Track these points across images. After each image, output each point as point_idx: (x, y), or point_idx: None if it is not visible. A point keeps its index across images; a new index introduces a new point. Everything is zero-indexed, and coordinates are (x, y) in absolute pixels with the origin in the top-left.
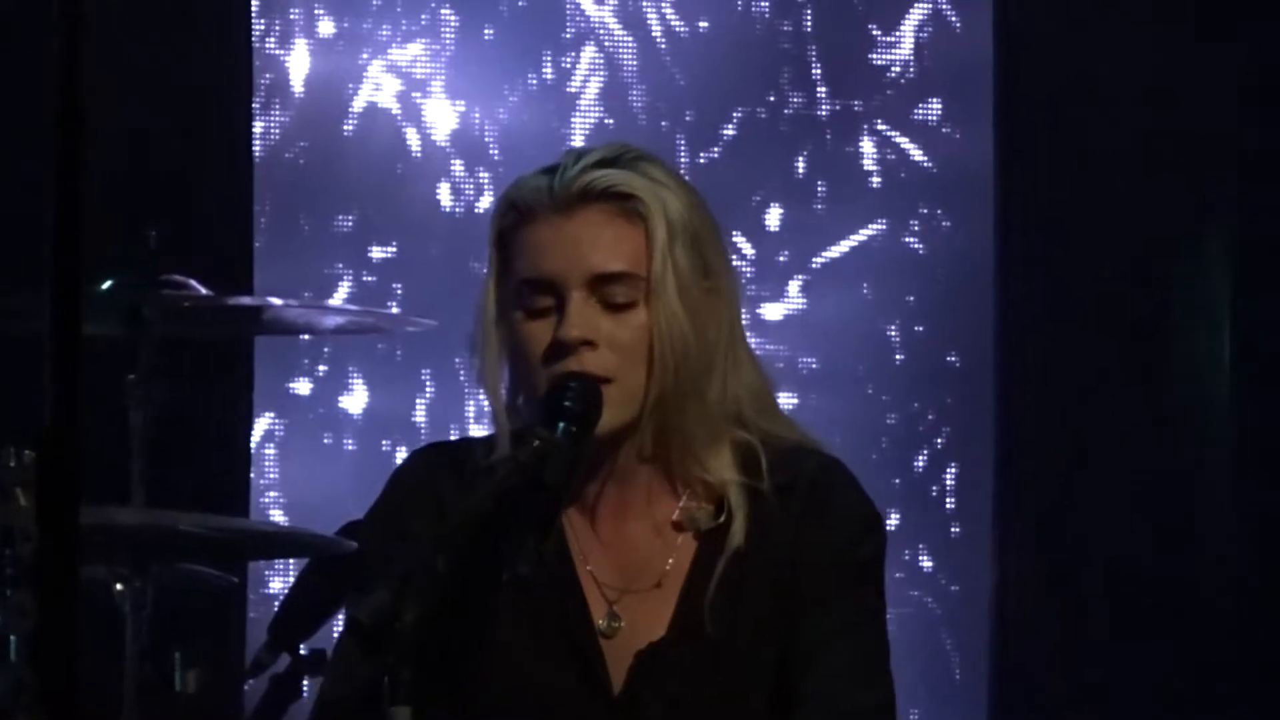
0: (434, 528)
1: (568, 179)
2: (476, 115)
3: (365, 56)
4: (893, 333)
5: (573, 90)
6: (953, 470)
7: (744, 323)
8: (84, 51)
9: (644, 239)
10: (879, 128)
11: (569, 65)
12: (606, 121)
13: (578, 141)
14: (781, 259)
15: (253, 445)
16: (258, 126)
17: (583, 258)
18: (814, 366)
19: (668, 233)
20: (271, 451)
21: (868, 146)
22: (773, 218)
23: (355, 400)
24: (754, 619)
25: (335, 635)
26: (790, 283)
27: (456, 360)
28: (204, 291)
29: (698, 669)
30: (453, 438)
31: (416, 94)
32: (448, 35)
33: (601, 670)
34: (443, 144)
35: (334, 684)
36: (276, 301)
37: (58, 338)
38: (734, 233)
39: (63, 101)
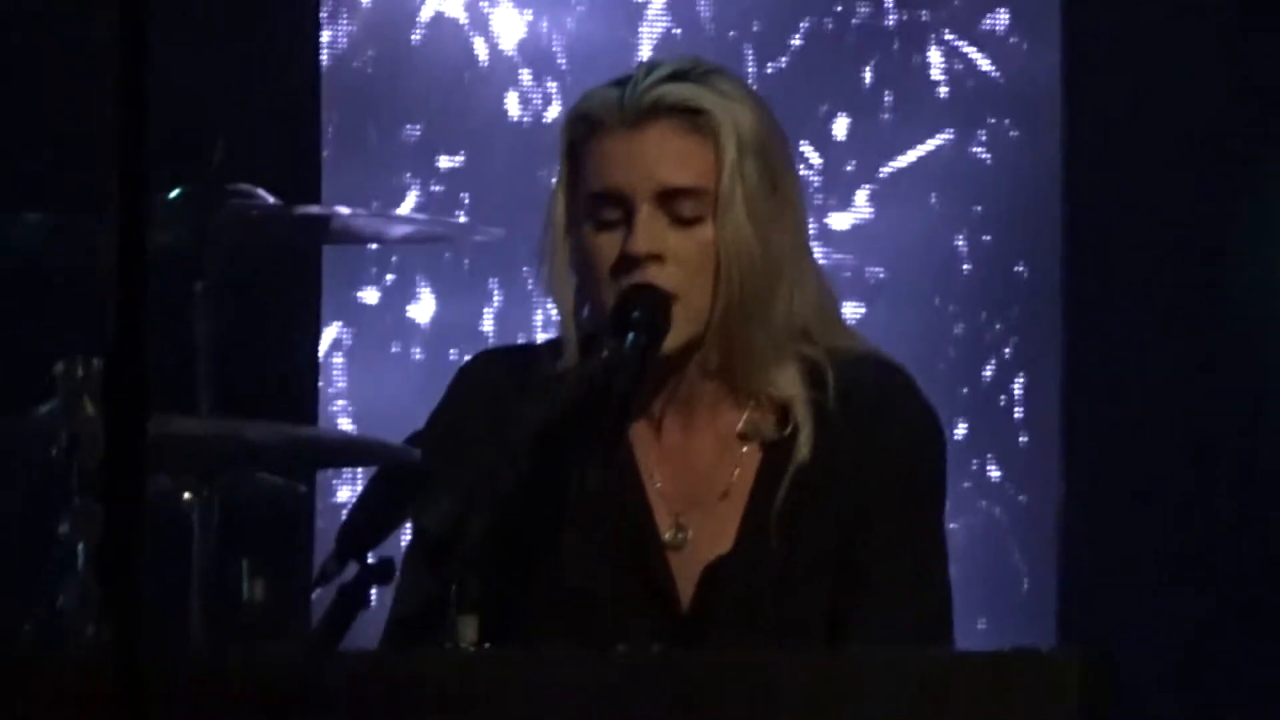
0: (501, 437)
1: (639, 92)
2: (544, 24)
3: None
4: (960, 243)
5: (640, 0)
6: (1020, 380)
7: (810, 231)
8: None
9: (713, 154)
10: (946, 38)
11: None
12: (674, 31)
13: (645, 51)
14: (849, 169)
15: (320, 354)
16: (325, 36)
17: (652, 171)
18: (881, 276)
19: (738, 148)
20: (339, 361)
21: (935, 57)
22: (840, 128)
23: (423, 309)
24: (819, 530)
25: (403, 544)
26: (857, 192)
27: (524, 269)
28: (271, 201)
29: (765, 580)
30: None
31: (484, 3)
32: None
33: (669, 583)
34: (510, 53)
35: (404, 600)
36: (344, 211)
37: (124, 248)
38: (801, 143)
39: (126, 11)
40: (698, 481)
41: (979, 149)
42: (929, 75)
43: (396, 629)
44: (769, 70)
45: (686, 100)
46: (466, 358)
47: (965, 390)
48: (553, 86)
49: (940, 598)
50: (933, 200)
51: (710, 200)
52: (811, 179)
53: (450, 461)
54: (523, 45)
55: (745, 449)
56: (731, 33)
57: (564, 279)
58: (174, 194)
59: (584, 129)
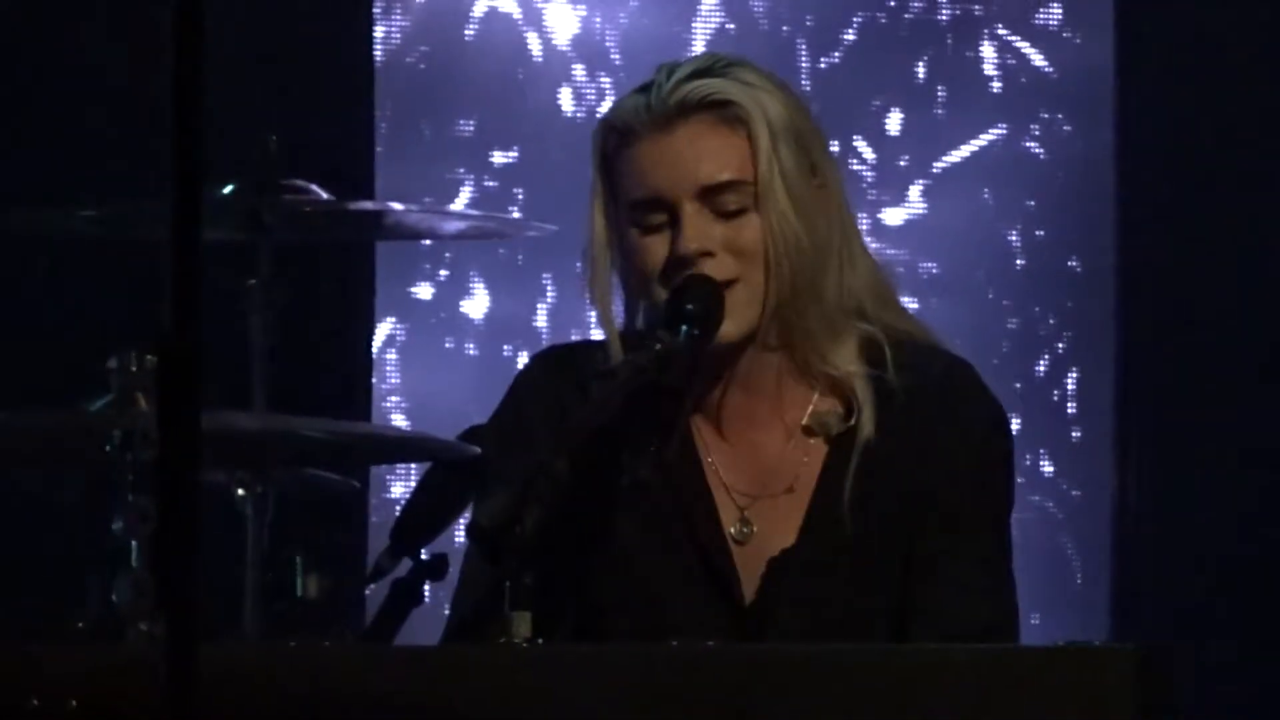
0: (555, 431)
1: (664, 94)
2: (598, 20)
3: None
4: (1013, 237)
5: None
6: (1074, 375)
7: (864, 226)
8: None
9: (747, 144)
10: (999, 32)
11: None
12: (728, 26)
13: (699, 46)
14: (902, 164)
15: (374, 350)
16: (379, 31)
17: (690, 170)
18: (934, 271)
19: (770, 135)
20: (393, 356)
21: (988, 51)
22: (893, 123)
23: (476, 305)
24: (884, 522)
25: (457, 540)
26: (911, 187)
27: (578, 265)
28: (325, 196)
29: (830, 574)
30: (573, 340)
31: None
32: None
33: (732, 577)
34: (564, 48)
35: (462, 598)
36: (398, 206)
37: (178, 242)
38: (855, 137)
39: (182, 6)
40: (762, 475)
41: (1032, 143)
42: (982, 70)
43: (456, 626)
44: (822, 65)
45: (712, 94)
46: (521, 354)
47: (1018, 385)
48: (606, 82)
49: (1008, 592)
50: (986, 195)
51: (751, 190)
52: (865, 174)
53: (511, 457)
54: (576, 40)
55: (811, 443)
56: (785, 28)
57: (607, 292)
58: (228, 189)
59: (615, 139)
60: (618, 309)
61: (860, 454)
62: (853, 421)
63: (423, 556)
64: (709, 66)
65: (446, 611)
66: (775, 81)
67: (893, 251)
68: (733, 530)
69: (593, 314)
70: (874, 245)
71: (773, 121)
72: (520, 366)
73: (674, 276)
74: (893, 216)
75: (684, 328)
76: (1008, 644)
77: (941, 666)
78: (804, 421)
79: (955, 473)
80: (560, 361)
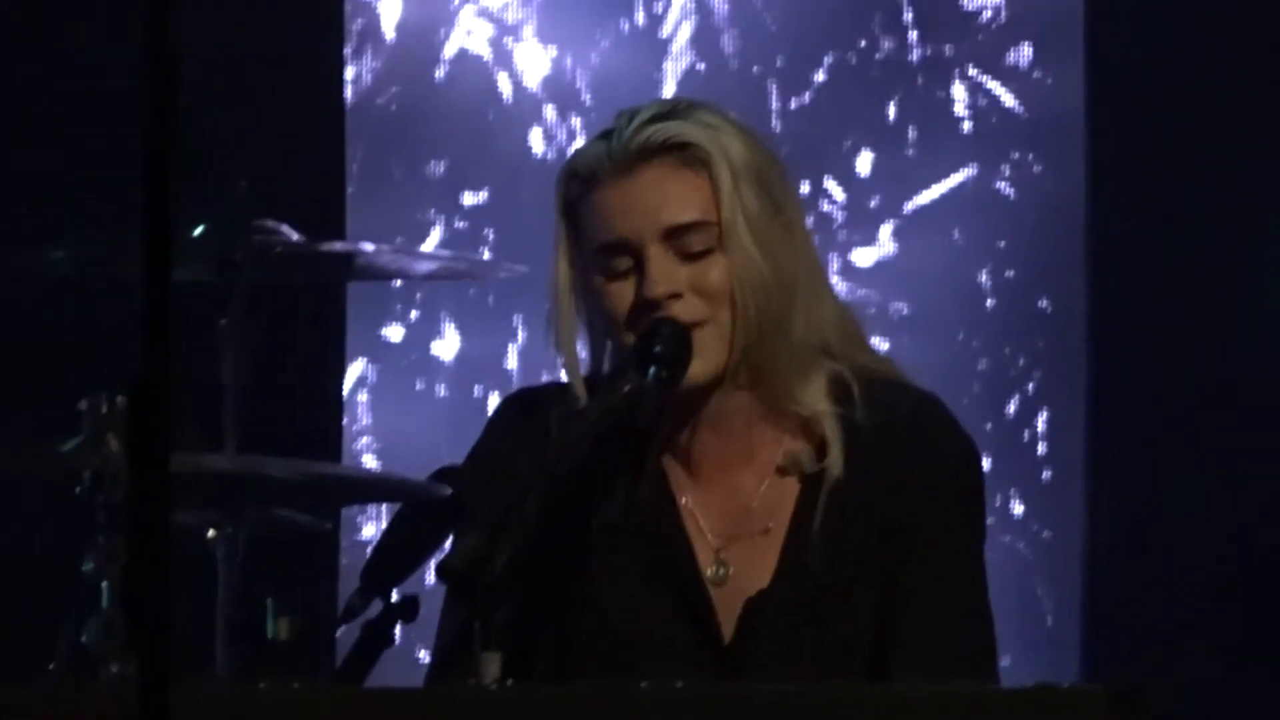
0: (526, 472)
1: (625, 138)
2: (568, 61)
3: (456, 2)
4: (984, 278)
5: (664, 36)
6: (1044, 415)
7: (834, 267)
8: None
9: (709, 185)
10: (970, 72)
11: (660, 11)
12: (698, 67)
13: (669, 88)
14: (873, 204)
15: (345, 391)
16: (349, 72)
17: (653, 213)
18: (905, 312)
19: (731, 175)
20: (364, 397)
21: (959, 91)
22: (864, 163)
23: (447, 346)
24: (858, 559)
25: (428, 582)
26: (881, 228)
27: (549, 306)
28: (296, 237)
29: (806, 613)
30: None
31: (508, 39)
32: None
33: (711, 619)
34: (534, 90)
35: (439, 639)
36: (369, 247)
37: (149, 283)
38: (825, 178)
39: (152, 47)
40: (737, 516)
41: (1003, 183)
42: (953, 110)
43: (434, 669)
44: (793, 105)
45: (673, 136)
46: (492, 395)
47: (989, 425)
48: (577, 123)
49: (985, 623)
50: (956, 235)
51: (715, 231)
52: (835, 214)
53: (484, 498)
54: (547, 81)
55: (784, 482)
56: (755, 68)
57: (570, 337)
58: (199, 230)
59: (578, 186)
60: (583, 354)
61: (830, 492)
62: (826, 461)
63: (394, 598)
64: (669, 110)
65: (420, 654)
66: (736, 122)
67: (863, 292)
68: (709, 572)
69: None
70: (844, 286)
71: (734, 161)
72: (491, 408)
73: (641, 321)
74: (863, 257)
75: (652, 369)
76: (984, 677)
77: (913, 706)
78: (778, 461)
79: (929, 506)
80: (532, 403)
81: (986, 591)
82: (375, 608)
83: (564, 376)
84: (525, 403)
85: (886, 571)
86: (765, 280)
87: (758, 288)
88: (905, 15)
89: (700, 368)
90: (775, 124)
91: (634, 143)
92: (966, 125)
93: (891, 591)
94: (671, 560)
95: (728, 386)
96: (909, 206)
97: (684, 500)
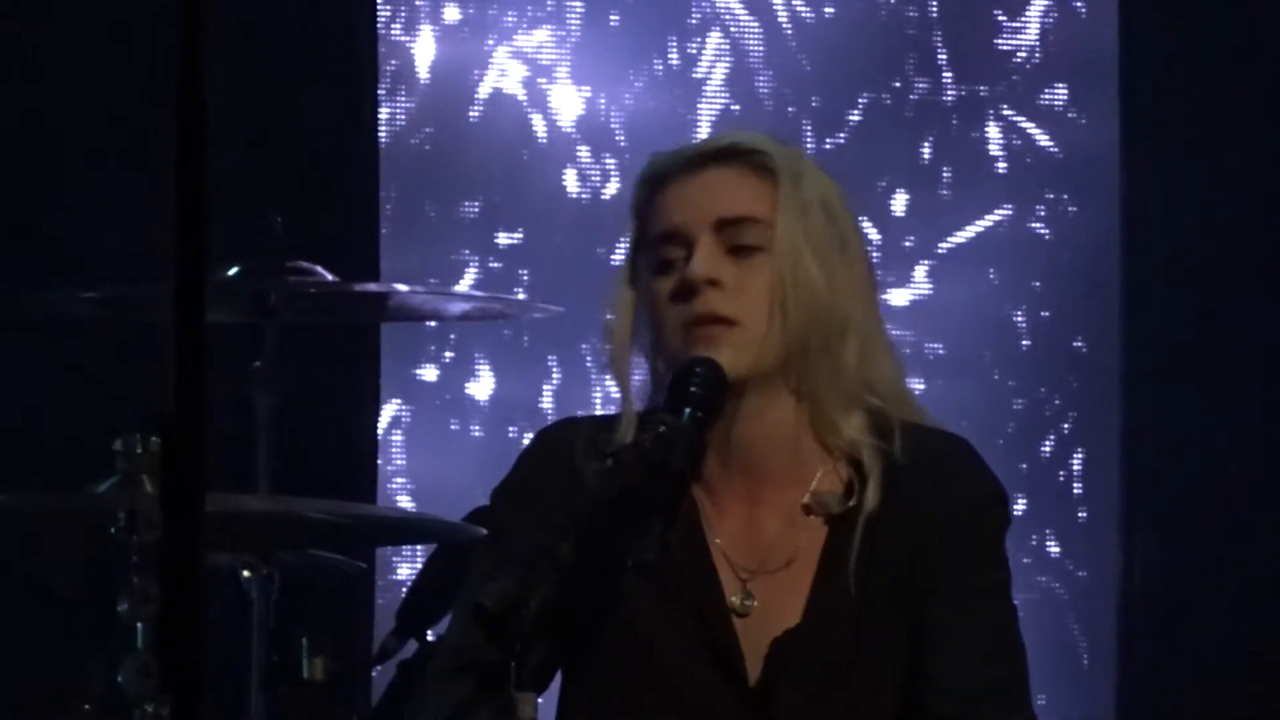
0: (561, 508)
1: (699, 144)
2: (602, 101)
3: (491, 43)
4: (1019, 318)
5: (698, 76)
6: (1079, 455)
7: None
8: (207, 38)
9: (773, 191)
10: (1004, 113)
11: (695, 51)
12: (733, 107)
13: (704, 128)
14: (907, 244)
15: (379, 432)
16: (383, 113)
17: (709, 204)
18: (940, 352)
19: (796, 187)
20: (398, 438)
21: (993, 132)
22: (899, 203)
23: (482, 387)
24: (888, 596)
25: None
26: (916, 268)
27: (583, 346)
28: (330, 278)
29: (835, 651)
30: (579, 415)
31: (542, 80)
32: (573, 21)
33: (736, 654)
34: (568, 130)
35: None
36: (403, 288)
37: (183, 325)
38: (860, 218)
39: (184, 88)
40: (763, 551)
41: (1037, 224)
42: (987, 150)
43: (436, 658)
44: (827, 145)
45: (744, 143)
46: (526, 435)
47: (1024, 466)
48: (611, 163)
49: (1016, 654)
50: (991, 275)
51: (769, 231)
52: (870, 255)
53: (521, 523)
54: (581, 122)
55: (811, 521)
56: (790, 108)
57: (625, 342)
58: (233, 271)
59: (646, 191)
60: (637, 376)
61: (865, 526)
62: (852, 502)
63: (429, 637)
64: (749, 131)
65: None
66: (818, 163)
67: (898, 332)
68: (735, 601)
69: (599, 393)
70: None
71: (802, 179)
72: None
73: (680, 302)
74: (898, 297)
75: (687, 411)
76: (1013, 710)
77: None
78: (804, 501)
79: (955, 543)
80: (565, 436)
81: (1016, 626)
82: (410, 648)
83: (598, 409)
84: (558, 436)
85: (915, 608)
86: (815, 291)
87: (804, 296)
88: (940, 56)
89: (731, 363)
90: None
91: (708, 147)
92: (1001, 165)
93: (919, 630)
94: (698, 595)
95: (763, 412)
96: (943, 246)
97: (713, 533)
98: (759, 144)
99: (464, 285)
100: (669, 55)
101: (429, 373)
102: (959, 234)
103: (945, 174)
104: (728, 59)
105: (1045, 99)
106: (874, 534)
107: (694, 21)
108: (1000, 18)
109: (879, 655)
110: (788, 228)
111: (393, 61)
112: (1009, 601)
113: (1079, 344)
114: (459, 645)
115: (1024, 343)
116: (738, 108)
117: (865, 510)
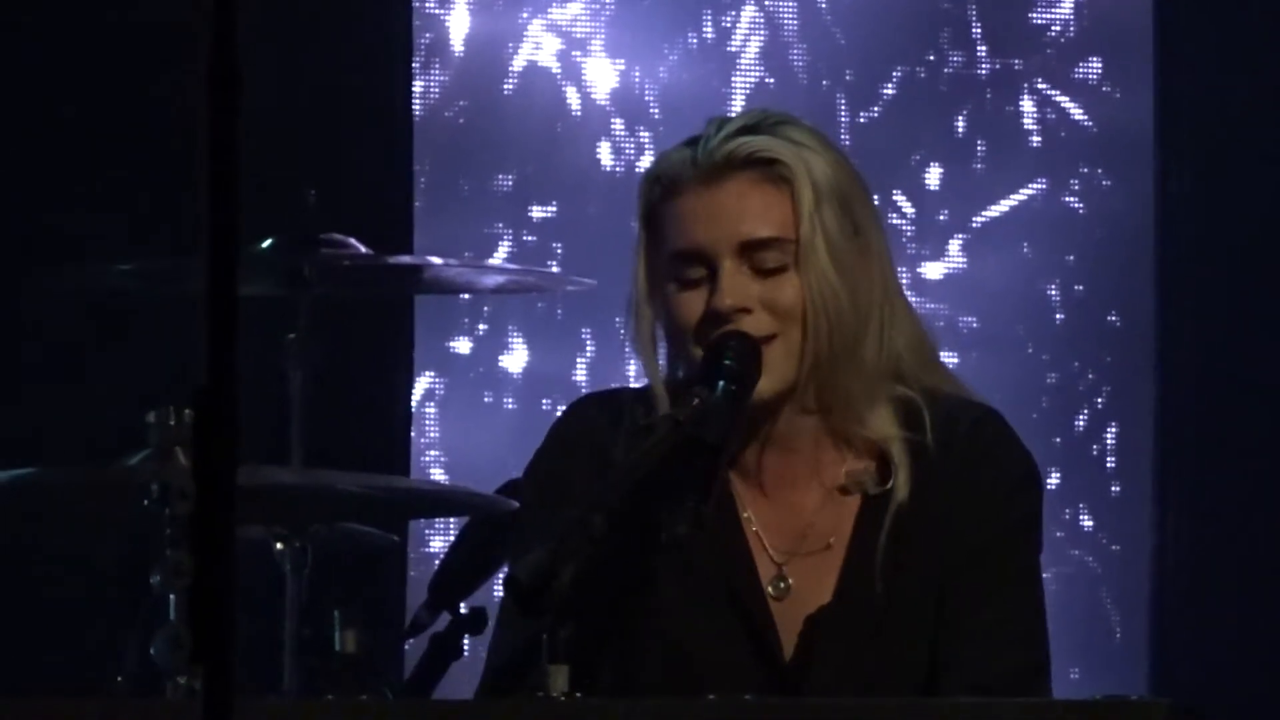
0: (592, 486)
1: (710, 148)
2: (637, 74)
3: (525, 16)
4: (1053, 292)
5: (733, 49)
6: (1113, 429)
7: (903, 280)
8: (239, 11)
9: (790, 203)
10: (1039, 87)
11: (729, 24)
12: (767, 81)
13: (738, 101)
14: (942, 218)
15: (413, 404)
16: (417, 86)
17: (731, 226)
18: (974, 326)
19: (814, 195)
20: (432, 410)
21: (1028, 105)
22: (933, 177)
23: (515, 359)
24: (918, 578)
25: (495, 594)
26: (950, 242)
27: (617, 319)
28: (364, 250)
29: (866, 631)
30: (612, 387)
31: (576, 53)
32: None
33: (771, 633)
34: (603, 103)
35: (499, 650)
36: (436, 261)
37: (215, 297)
38: (894, 192)
39: (217, 60)
40: (799, 532)
41: (1071, 198)
42: (1022, 124)
43: (491, 679)
44: (861, 119)
45: (759, 151)
46: (560, 408)
47: (1058, 440)
48: (645, 136)
49: (1039, 641)
50: (1025, 249)
51: (792, 249)
52: (904, 228)
53: (549, 507)
54: (615, 95)
55: (846, 501)
56: (824, 82)
57: (649, 343)
58: (267, 244)
59: (659, 191)
60: (662, 360)
61: (894, 515)
62: (889, 486)
63: (461, 610)
64: (757, 123)
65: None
66: (823, 140)
67: (932, 306)
68: (770, 587)
69: (633, 366)
70: (914, 299)
71: (817, 181)
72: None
73: (709, 332)
74: (932, 270)
75: (721, 384)
76: (1037, 691)
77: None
78: (841, 481)
79: (985, 524)
80: (598, 409)
81: (1041, 610)
82: (443, 620)
83: (633, 383)
84: (591, 409)
85: (943, 590)
86: (840, 303)
87: (831, 309)
88: (974, 29)
89: (767, 384)
90: (844, 138)
91: (719, 153)
92: (1035, 139)
93: (946, 608)
94: (733, 575)
95: (795, 409)
96: (977, 220)
97: (747, 515)
98: (773, 150)
99: (498, 258)
100: (703, 28)
101: (462, 345)
102: (993, 208)
103: (979, 148)
104: (762, 32)
105: (1080, 72)
106: (905, 515)
107: None
108: None
109: (909, 635)
110: (810, 245)
111: (427, 35)
112: (1035, 585)
113: (1113, 318)
114: None
115: (1058, 317)
116: (772, 81)
117: (895, 501)
